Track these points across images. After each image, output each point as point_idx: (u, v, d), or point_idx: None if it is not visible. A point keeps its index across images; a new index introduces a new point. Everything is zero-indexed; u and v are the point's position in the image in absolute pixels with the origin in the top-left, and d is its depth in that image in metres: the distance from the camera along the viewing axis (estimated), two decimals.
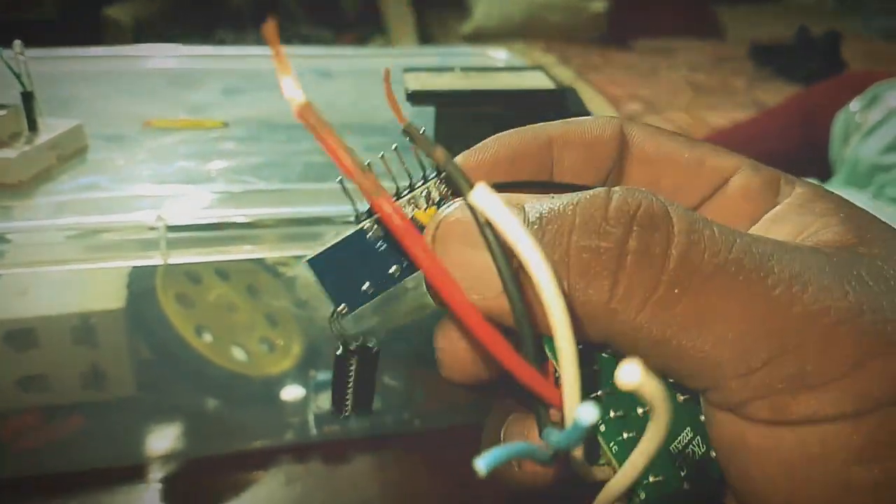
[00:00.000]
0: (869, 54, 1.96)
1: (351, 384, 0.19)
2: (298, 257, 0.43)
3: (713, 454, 0.17)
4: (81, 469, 0.38)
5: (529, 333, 0.14)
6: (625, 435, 0.17)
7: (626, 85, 1.73)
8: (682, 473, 0.17)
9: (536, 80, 0.43)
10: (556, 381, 0.14)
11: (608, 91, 1.66)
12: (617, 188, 0.16)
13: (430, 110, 0.41)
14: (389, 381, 0.42)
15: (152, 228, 0.32)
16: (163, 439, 0.40)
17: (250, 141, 0.43)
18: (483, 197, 0.13)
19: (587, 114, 0.43)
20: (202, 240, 0.33)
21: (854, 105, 1.15)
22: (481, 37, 2.05)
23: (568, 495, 0.19)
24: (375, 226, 0.18)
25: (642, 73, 1.85)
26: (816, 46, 1.85)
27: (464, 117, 0.40)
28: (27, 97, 0.38)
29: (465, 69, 0.44)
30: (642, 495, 0.16)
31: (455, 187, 0.13)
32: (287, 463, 0.40)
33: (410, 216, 0.17)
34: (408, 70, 0.44)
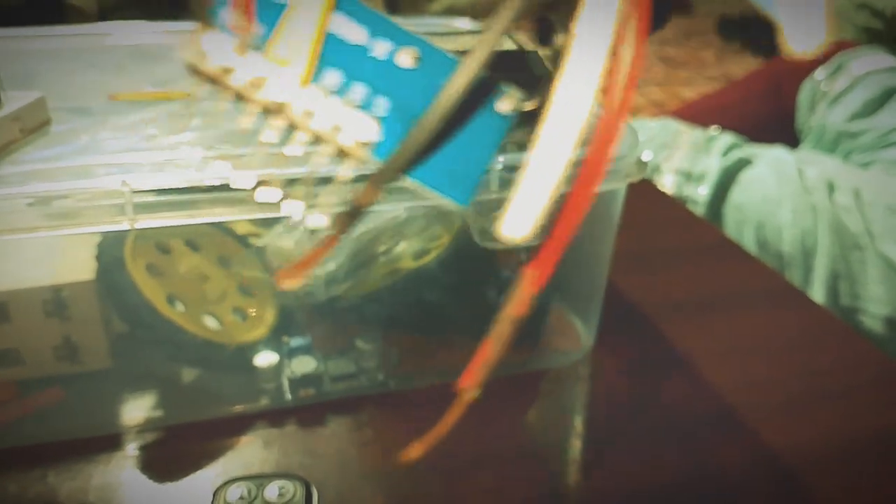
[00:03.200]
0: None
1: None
2: (269, 222, 0.43)
3: None
4: (59, 440, 0.38)
5: None
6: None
7: None
8: None
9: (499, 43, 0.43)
10: None
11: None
12: None
13: None
14: (363, 345, 0.42)
15: (118, 193, 0.32)
16: (139, 408, 0.41)
17: (216, 110, 0.43)
18: None
19: (549, 75, 0.44)
20: (170, 204, 0.33)
21: (819, 74, 1.17)
22: (452, 14, 2.05)
23: None
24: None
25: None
26: None
27: None
28: None
29: (431, 34, 0.44)
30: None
31: None
32: (264, 427, 0.40)
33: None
34: None
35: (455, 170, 0.11)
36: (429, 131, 0.10)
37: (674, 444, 0.41)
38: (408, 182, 0.11)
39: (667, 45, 1.85)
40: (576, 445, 0.41)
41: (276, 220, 0.43)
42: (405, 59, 0.11)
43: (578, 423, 0.43)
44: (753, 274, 0.60)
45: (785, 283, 0.60)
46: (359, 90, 0.10)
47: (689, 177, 0.99)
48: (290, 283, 0.12)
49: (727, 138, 1.02)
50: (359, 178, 0.10)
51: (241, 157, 0.38)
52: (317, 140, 0.10)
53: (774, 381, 0.46)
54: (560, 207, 0.10)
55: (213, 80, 0.09)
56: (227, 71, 0.10)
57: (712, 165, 0.98)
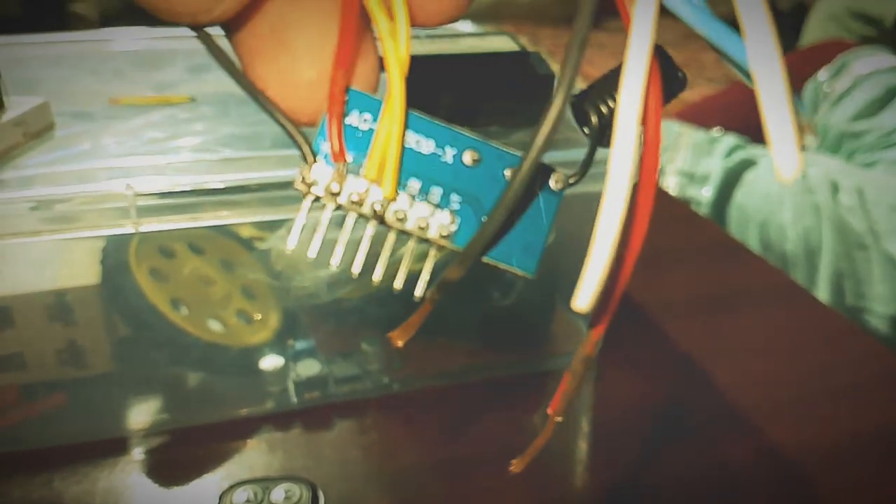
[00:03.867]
0: None
1: None
2: (273, 225, 0.43)
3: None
4: (63, 444, 0.38)
5: None
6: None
7: (598, 63, 1.73)
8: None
9: (502, 44, 0.43)
10: None
11: (581, 70, 1.66)
12: None
13: None
14: (368, 347, 0.42)
15: (122, 196, 0.32)
16: (144, 412, 0.40)
17: (218, 114, 0.43)
18: None
19: (552, 76, 0.44)
20: (173, 207, 0.33)
21: (822, 74, 1.17)
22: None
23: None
24: None
25: (615, 52, 1.86)
26: (784, 19, 1.87)
27: (431, 81, 0.40)
28: None
29: (431, 35, 0.45)
30: None
31: None
32: (269, 430, 0.40)
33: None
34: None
35: (521, 245, 0.14)
36: (498, 221, 0.12)
37: (679, 444, 0.40)
38: (483, 260, 0.13)
39: (667, 48, 1.84)
40: (581, 446, 0.41)
41: (280, 223, 0.43)
42: (468, 159, 0.13)
43: (584, 423, 0.43)
44: (758, 273, 0.60)
45: (789, 281, 0.59)
46: (436, 191, 0.13)
47: (692, 178, 0.99)
48: (401, 341, 0.15)
49: (730, 139, 1.02)
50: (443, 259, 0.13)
51: (242, 160, 0.38)
52: (408, 236, 0.13)
53: (779, 379, 0.46)
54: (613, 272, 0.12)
55: (323, 200, 0.12)
56: (335, 193, 0.12)
57: (715, 166, 0.98)
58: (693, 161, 1.00)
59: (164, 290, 0.40)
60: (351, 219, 0.14)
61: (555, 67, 0.46)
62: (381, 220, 0.13)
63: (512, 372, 0.46)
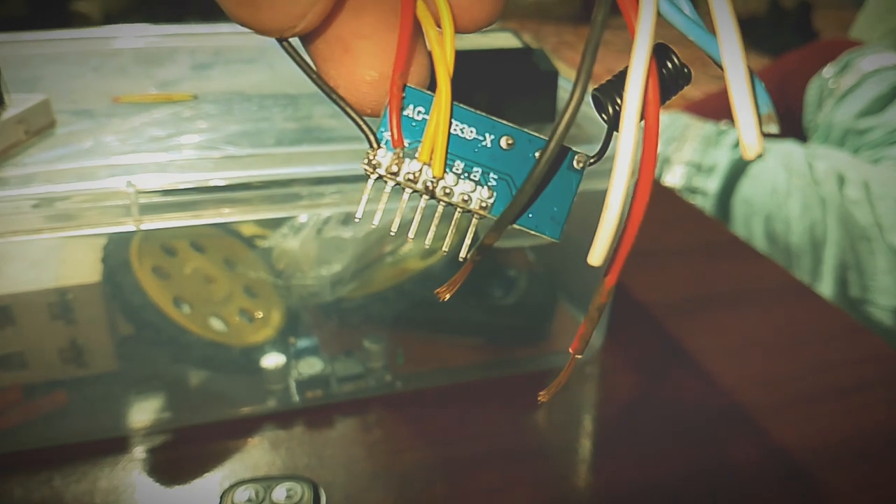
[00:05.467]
0: (842, 23, 1.98)
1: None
2: (275, 223, 0.43)
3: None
4: (65, 443, 0.38)
5: None
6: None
7: (601, 61, 1.71)
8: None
9: (506, 41, 0.43)
10: None
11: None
12: None
13: None
14: (370, 345, 0.42)
15: (124, 194, 0.32)
16: (145, 411, 0.40)
17: (221, 112, 0.43)
18: None
19: (555, 72, 0.43)
20: (175, 205, 0.33)
21: (827, 71, 1.16)
22: None
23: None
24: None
25: (618, 49, 1.86)
26: (788, 18, 1.86)
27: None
28: None
29: None
30: None
31: None
32: (271, 429, 0.40)
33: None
34: None
35: (549, 215, 0.16)
36: (528, 194, 0.15)
37: (683, 441, 0.40)
38: (515, 227, 0.16)
39: (676, 46, 1.84)
40: (585, 444, 0.41)
41: (281, 222, 0.43)
42: (504, 143, 0.16)
43: (587, 421, 0.43)
44: (761, 271, 0.59)
45: (793, 279, 0.59)
46: (477, 170, 0.16)
47: (699, 168, 0.98)
48: (448, 295, 0.17)
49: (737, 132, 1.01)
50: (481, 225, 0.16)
51: (244, 158, 0.37)
52: (453, 207, 0.16)
53: (783, 377, 0.46)
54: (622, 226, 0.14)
55: (385, 179, 0.16)
56: (394, 173, 0.15)
57: (722, 158, 0.97)
58: (701, 152, 0.99)
59: (166, 289, 0.40)
60: (406, 193, 0.16)
61: (557, 64, 0.46)
62: (431, 194, 0.16)
63: (514, 371, 0.46)
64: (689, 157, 1.00)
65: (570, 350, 0.16)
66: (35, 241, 0.34)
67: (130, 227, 0.33)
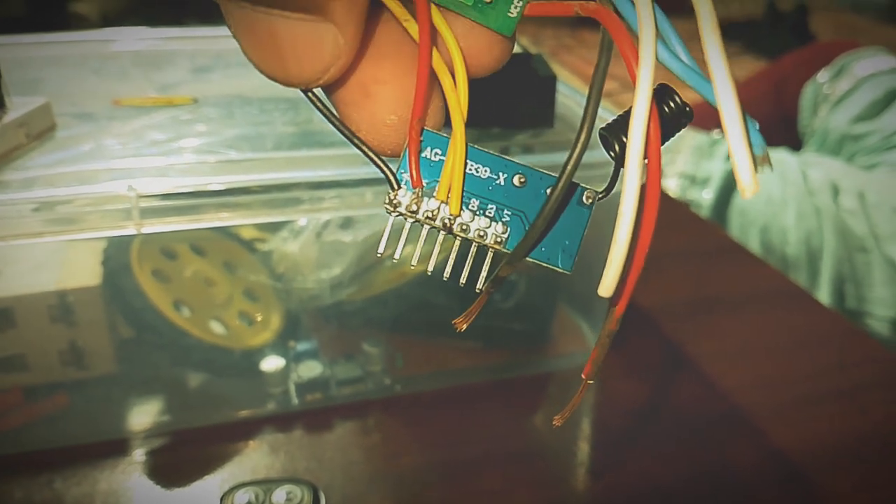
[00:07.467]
0: (838, 26, 1.99)
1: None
2: (275, 227, 0.43)
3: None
4: (66, 445, 0.38)
5: None
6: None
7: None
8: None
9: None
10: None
11: (582, 71, 1.67)
12: None
13: None
14: (370, 348, 0.42)
15: (124, 198, 0.32)
16: (145, 413, 0.40)
17: (221, 116, 0.43)
18: None
19: (554, 77, 0.44)
20: (175, 208, 0.33)
21: (822, 76, 1.17)
22: None
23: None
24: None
25: (615, 52, 1.86)
26: (785, 21, 1.87)
27: None
28: None
29: None
30: None
31: None
32: (270, 432, 0.40)
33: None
34: None
35: (560, 248, 0.17)
36: (540, 229, 0.16)
37: (682, 445, 0.40)
38: (528, 260, 0.17)
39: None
40: (583, 447, 0.41)
41: (281, 225, 0.43)
42: (517, 181, 0.17)
43: (585, 425, 0.43)
44: (759, 275, 0.60)
45: (790, 283, 0.59)
46: (492, 207, 0.17)
47: (693, 180, 0.99)
48: (465, 325, 0.18)
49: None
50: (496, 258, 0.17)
51: (244, 162, 0.38)
52: (470, 242, 0.17)
53: (782, 380, 0.46)
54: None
55: (405, 217, 0.17)
56: (414, 211, 0.16)
57: (716, 169, 0.97)
58: (694, 163, 1.00)
59: (166, 292, 0.40)
60: (425, 230, 0.17)
61: (556, 68, 0.46)
62: (449, 230, 0.17)
63: (514, 374, 0.46)
64: (682, 168, 1.00)
65: (583, 376, 0.17)
66: (36, 245, 0.34)
67: (131, 231, 0.33)
